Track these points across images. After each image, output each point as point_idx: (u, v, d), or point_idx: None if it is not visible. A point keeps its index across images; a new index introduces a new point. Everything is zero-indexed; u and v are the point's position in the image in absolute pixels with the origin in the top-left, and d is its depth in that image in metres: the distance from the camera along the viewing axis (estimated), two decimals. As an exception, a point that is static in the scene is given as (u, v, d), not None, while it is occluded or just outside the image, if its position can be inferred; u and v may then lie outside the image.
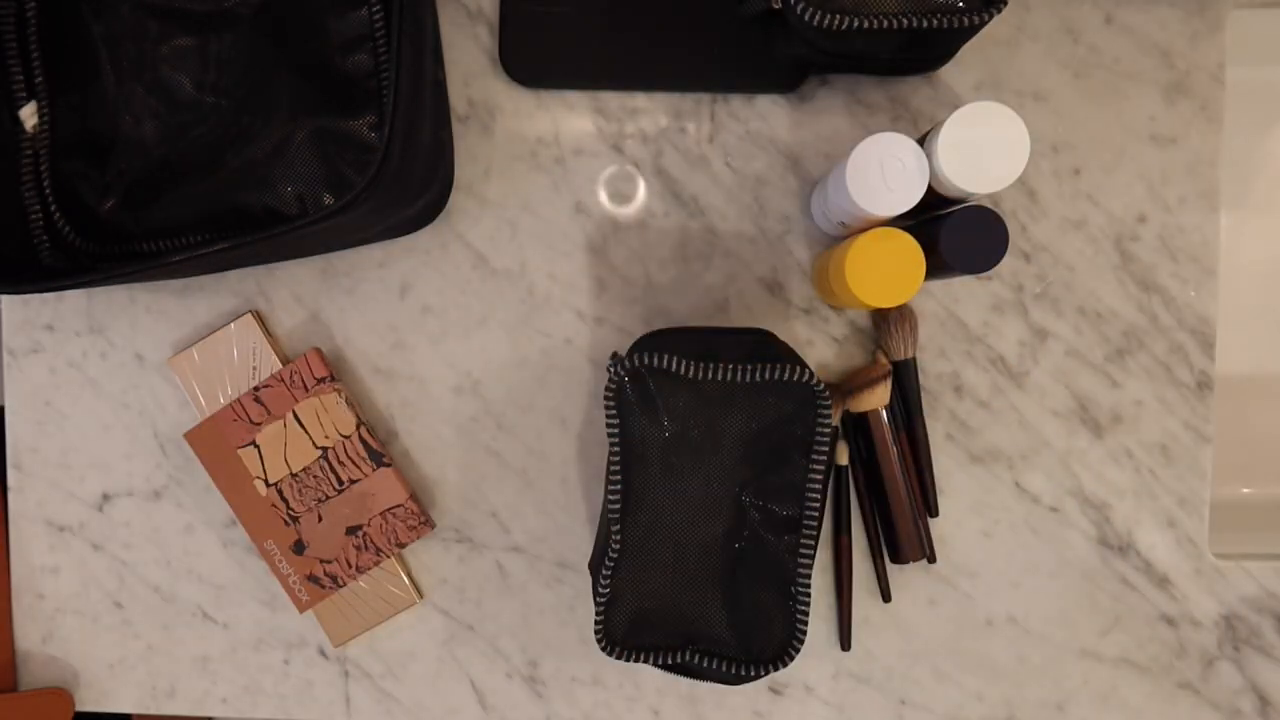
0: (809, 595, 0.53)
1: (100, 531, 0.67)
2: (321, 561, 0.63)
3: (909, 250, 0.51)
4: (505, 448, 0.65)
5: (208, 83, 0.61)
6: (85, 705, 0.68)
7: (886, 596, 0.64)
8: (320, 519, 0.63)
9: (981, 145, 0.48)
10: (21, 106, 0.62)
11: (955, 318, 0.63)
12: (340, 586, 0.64)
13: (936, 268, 0.50)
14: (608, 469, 0.52)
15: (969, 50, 0.61)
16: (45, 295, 0.66)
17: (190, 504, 0.66)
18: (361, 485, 0.63)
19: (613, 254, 0.64)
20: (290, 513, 0.63)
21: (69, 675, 0.68)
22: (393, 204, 0.56)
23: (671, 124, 0.63)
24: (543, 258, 0.64)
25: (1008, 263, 0.63)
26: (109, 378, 0.66)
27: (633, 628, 0.54)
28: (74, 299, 0.66)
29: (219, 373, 0.64)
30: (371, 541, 0.63)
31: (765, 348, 0.52)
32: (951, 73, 0.62)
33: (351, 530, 0.63)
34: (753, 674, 0.53)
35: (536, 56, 0.63)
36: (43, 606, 0.68)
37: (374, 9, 0.60)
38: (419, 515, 0.63)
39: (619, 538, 0.53)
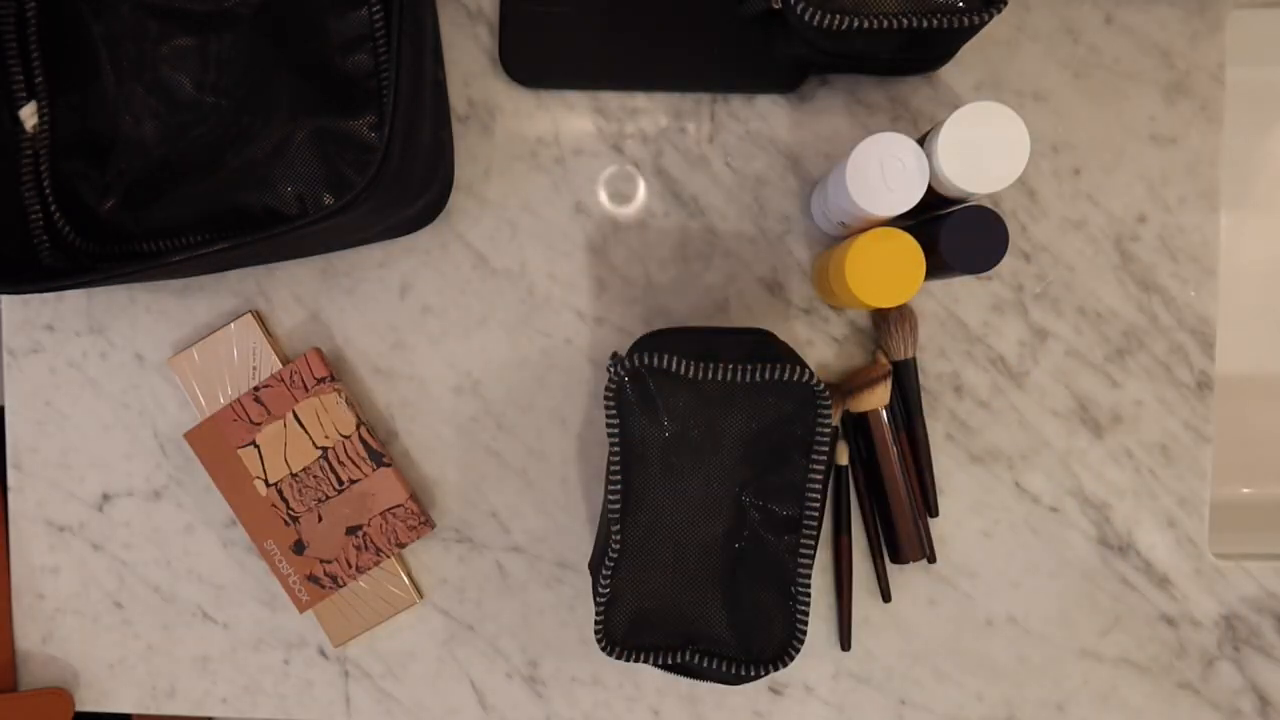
0: (809, 595, 0.53)
1: (100, 531, 0.67)
2: (321, 561, 0.63)
3: (909, 250, 0.51)
4: (505, 448, 0.65)
5: (208, 83, 0.61)
6: (85, 705, 0.68)
7: (886, 596, 0.64)
8: (320, 519, 0.63)
9: (981, 145, 0.48)
10: (21, 106, 0.62)
11: (955, 318, 0.63)
12: (340, 586, 0.64)
13: (936, 268, 0.50)
14: (608, 469, 0.52)
15: (969, 50, 0.62)
16: (45, 295, 0.66)
17: (190, 504, 0.66)
18: (361, 485, 0.63)
19: (613, 254, 0.64)
20: (290, 513, 0.63)
21: (69, 675, 0.68)
22: (393, 204, 0.56)
23: (671, 124, 0.63)
24: (543, 258, 0.64)
25: (1008, 263, 0.63)
26: (109, 378, 0.66)
27: (633, 628, 0.54)
28: (74, 299, 0.66)
29: (219, 373, 0.64)
30: (371, 541, 0.63)
31: (765, 348, 0.52)
32: (951, 73, 0.62)
33: (351, 530, 0.63)
34: (753, 674, 0.53)
35: (536, 56, 0.63)
36: (43, 606, 0.68)
37: (374, 9, 0.60)
38: (419, 515, 0.63)
39: (619, 538, 0.53)
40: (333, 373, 0.63)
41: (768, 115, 0.63)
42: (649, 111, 0.63)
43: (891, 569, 0.64)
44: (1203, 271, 0.62)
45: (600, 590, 0.53)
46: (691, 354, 0.50)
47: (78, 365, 0.66)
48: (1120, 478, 0.63)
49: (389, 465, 0.63)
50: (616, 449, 0.52)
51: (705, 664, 0.54)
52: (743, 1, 0.55)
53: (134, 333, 0.66)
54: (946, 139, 0.48)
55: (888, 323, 0.61)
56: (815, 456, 0.51)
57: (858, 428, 0.62)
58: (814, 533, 0.52)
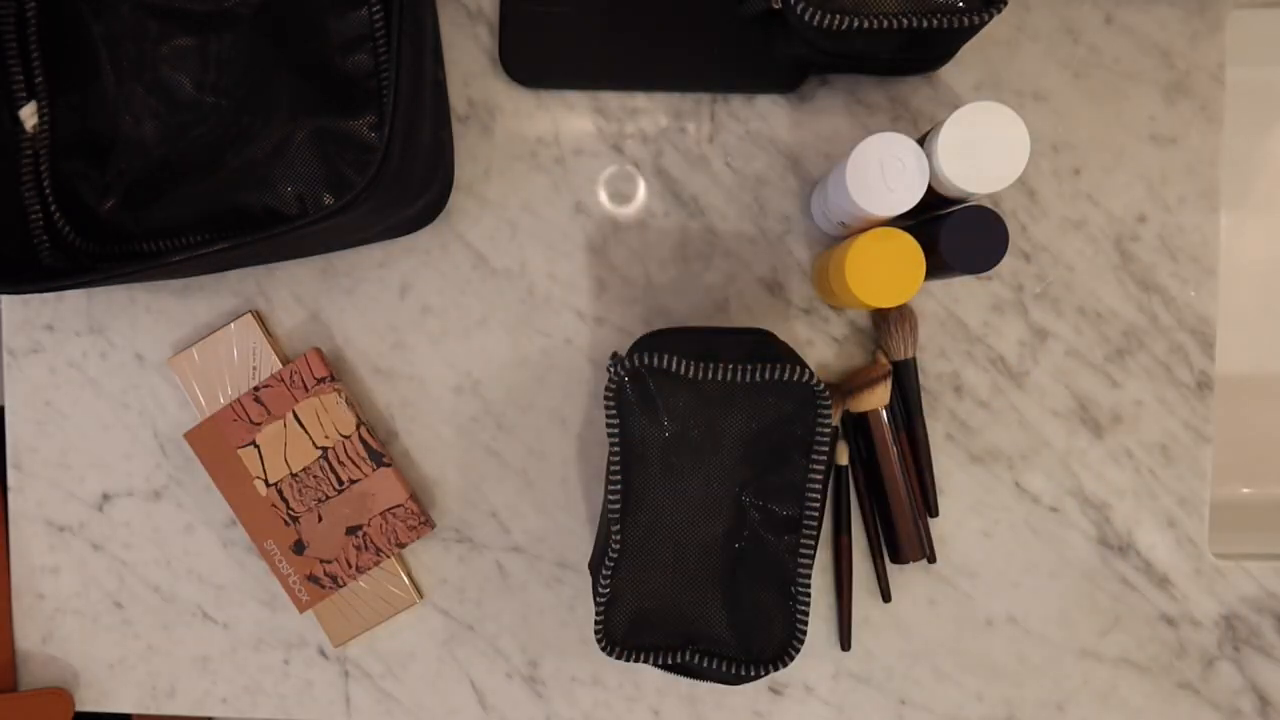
0: (809, 595, 0.53)
1: (100, 531, 0.67)
2: (321, 561, 0.63)
3: (909, 250, 0.51)
4: (505, 448, 0.65)
5: (208, 83, 0.61)
6: (85, 705, 0.68)
7: (886, 596, 0.64)
8: (320, 519, 0.63)
9: (981, 145, 0.48)
10: (21, 106, 0.62)
11: (955, 318, 0.63)
12: (340, 586, 0.64)
13: (936, 268, 0.50)
14: (608, 469, 0.52)
15: (969, 50, 0.61)
16: (45, 295, 0.66)
17: (190, 504, 0.66)
18: (361, 485, 0.63)
19: (613, 254, 0.64)
20: (290, 513, 0.63)
21: (69, 675, 0.68)
22: (393, 204, 0.56)
23: (671, 124, 0.63)
24: (543, 258, 0.64)
25: (1008, 263, 0.63)
26: (109, 378, 0.66)
27: (633, 628, 0.54)
28: (74, 299, 0.66)
29: (219, 373, 0.64)
30: (371, 541, 0.63)
31: (765, 348, 0.52)
32: (951, 73, 0.62)
33: (351, 530, 0.63)
34: (753, 674, 0.53)
35: (536, 56, 0.63)
36: (43, 606, 0.68)
37: (374, 9, 0.60)
38: (419, 515, 0.63)
39: (619, 538, 0.53)
40: (333, 373, 0.63)
41: (768, 115, 0.63)
42: (649, 111, 0.63)
43: (891, 569, 0.64)
44: (1203, 271, 0.62)
45: (600, 590, 0.53)
46: (691, 354, 0.50)
47: (78, 365, 0.66)
48: (1120, 478, 0.63)
49: (389, 465, 0.63)
50: (616, 449, 0.52)
51: (705, 664, 0.54)
52: (743, 1, 0.55)
53: (134, 333, 0.66)
54: (946, 139, 0.48)
55: (888, 323, 0.61)
56: (815, 456, 0.51)
57: (858, 428, 0.62)
58: (814, 533, 0.52)
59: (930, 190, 0.50)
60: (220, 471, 0.63)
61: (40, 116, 0.62)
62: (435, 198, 0.61)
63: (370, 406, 0.65)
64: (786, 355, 0.52)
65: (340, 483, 0.63)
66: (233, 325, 0.64)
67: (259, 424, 0.63)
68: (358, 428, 0.63)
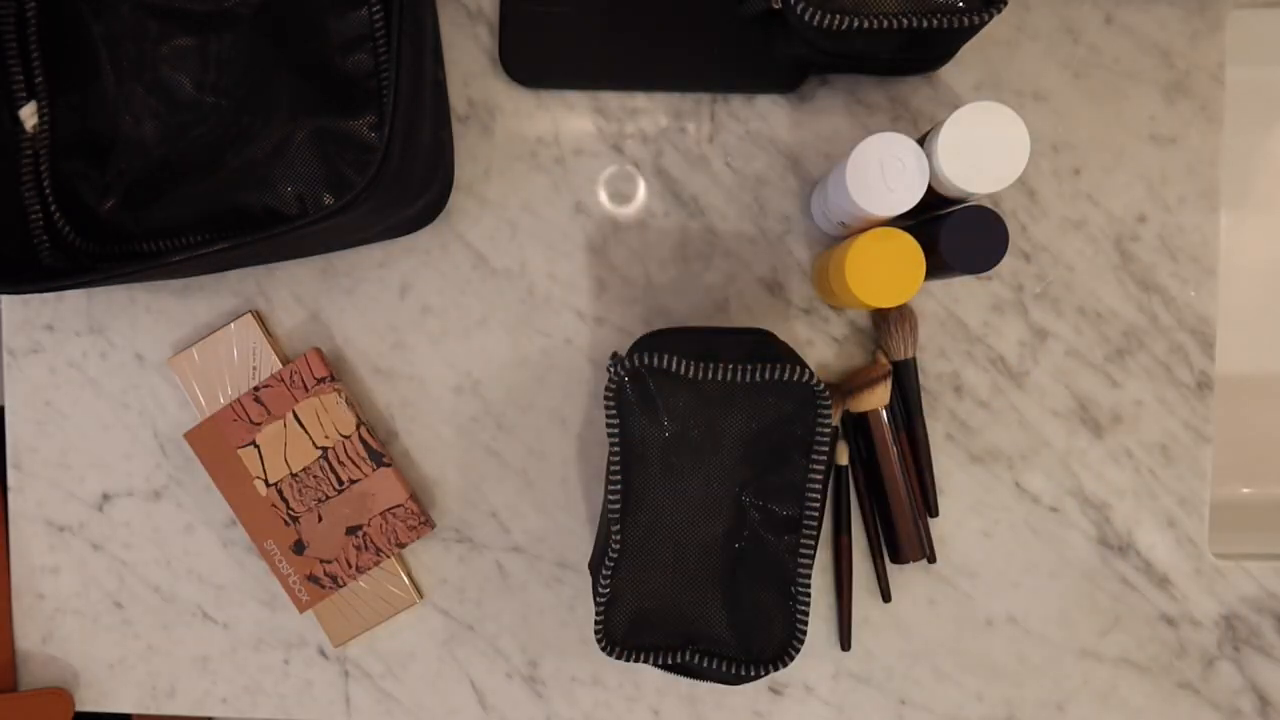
0: (809, 595, 0.53)
1: (100, 531, 0.67)
2: (321, 561, 0.63)
3: (909, 250, 0.51)
4: (505, 448, 0.65)
5: (208, 83, 0.61)
6: (85, 705, 0.68)
7: (886, 596, 0.64)
8: (320, 519, 0.63)
9: (981, 145, 0.48)
10: (21, 106, 0.62)
11: (955, 318, 0.63)
12: (340, 586, 0.64)
13: (936, 268, 0.50)
14: (608, 469, 0.52)
15: (969, 50, 0.61)
16: (45, 295, 0.66)
17: (190, 504, 0.66)
18: (361, 485, 0.63)
19: (613, 254, 0.64)
20: (290, 513, 0.63)
21: (69, 675, 0.68)
22: (393, 204, 0.56)
23: (671, 124, 0.63)
24: (543, 258, 0.64)
25: (1008, 263, 0.63)
26: (109, 378, 0.66)
27: (633, 628, 0.54)
28: (74, 299, 0.66)
29: (219, 373, 0.64)
30: (371, 541, 0.63)
31: (765, 348, 0.52)
32: (951, 73, 0.62)
33: (351, 530, 0.63)
34: (753, 674, 0.53)
35: (536, 56, 0.63)
36: (43, 606, 0.68)
37: (374, 9, 0.60)
38: (419, 515, 0.63)
39: (619, 538, 0.53)
40: (333, 373, 0.63)
41: (768, 115, 0.63)
42: (649, 111, 0.63)
43: (891, 569, 0.64)
44: (1203, 271, 0.62)
45: (600, 590, 0.53)
46: (691, 354, 0.50)
47: (78, 365, 0.66)
48: (1120, 478, 0.63)
49: (389, 465, 0.63)
50: (616, 449, 0.52)
51: (705, 664, 0.54)
52: (743, 1, 0.55)
53: (134, 333, 0.66)
54: (946, 139, 0.48)
55: (888, 323, 0.61)
56: (815, 456, 0.51)
57: (858, 428, 0.62)
58: (814, 533, 0.52)
59: (930, 190, 0.50)
60: (220, 471, 0.63)
61: (40, 116, 0.62)
62: (435, 198, 0.61)
63: (370, 406, 0.65)
64: (786, 355, 0.52)
65: (340, 483, 0.63)
66: (233, 325, 0.64)
67: (259, 424, 0.63)
68: (358, 428, 0.63)
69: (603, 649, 0.53)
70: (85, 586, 0.67)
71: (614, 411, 0.51)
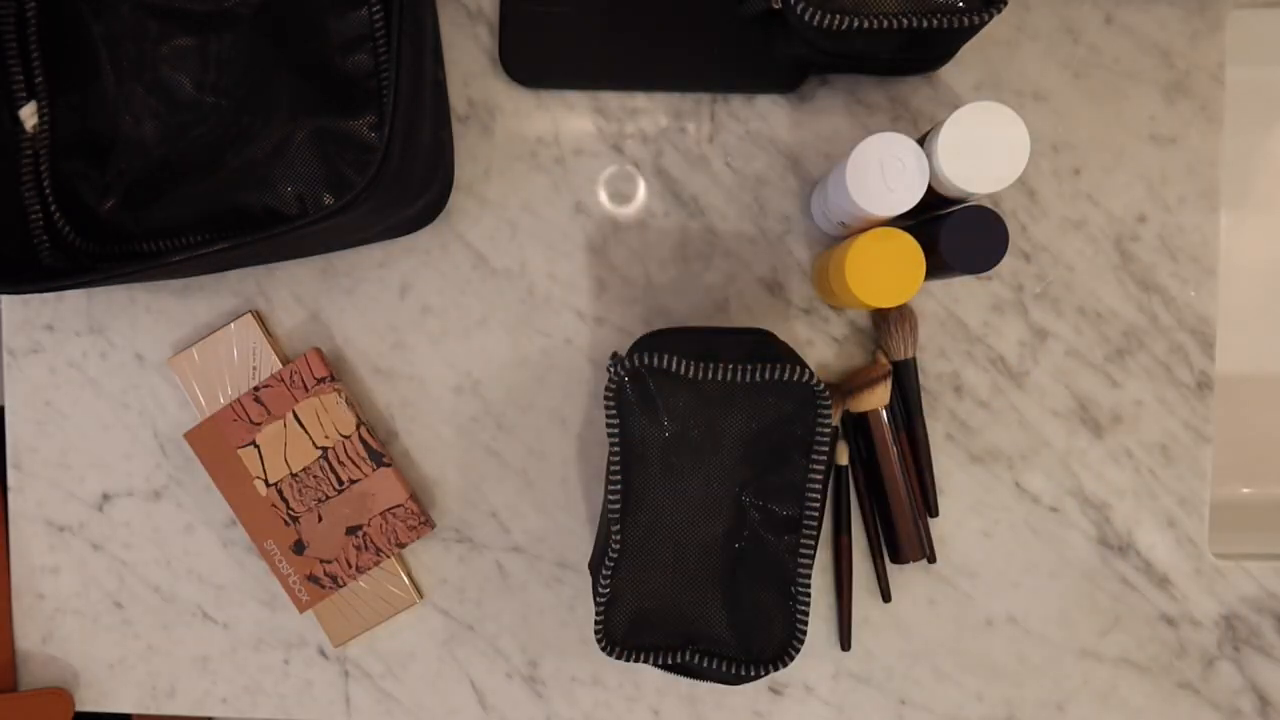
0: (809, 595, 0.53)
1: (100, 531, 0.67)
2: (321, 561, 0.63)
3: (909, 250, 0.51)
4: (505, 448, 0.65)
5: (208, 83, 0.61)
6: (85, 705, 0.68)
7: (886, 596, 0.64)
8: (320, 519, 0.63)
9: (981, 145, 0.48)
10: (21, 106, 0.62)
11: (955, 318, 0.63)
12: (340, 586, 0.64)
13: (936, 268, 0.50)
14: (608, 469, 0.52)
15: (969, 50, 0.61)
16: (45, 295, 0.66)
17: (190, 504, 0.66)
18: (361, 485, 0.63)
19: (613, 254, 0.64)
20: (290, 513, 0.63)
21: (69, 675, 0.68)
22: (393, 204, 0.56)
23: (671, 124, 0.63)
24: (543, 258, 0.64)
25: (1008, 263, 0.63)
26: (109, 378, 0.66)
27: (633, 628, 0.54)
28: (74, 299, 0.66)
29: (219, 373, 0.64)
30: (371, 541, 0.63)
31: (765, 348, 0.52)
32: (951, 73, 0.62)
33: (351, 530, 0.63)
34: (753, 674, 0.53)
35: (536, 56, 0.63)
36: (43, 606, 0.68)
37: (374, 9, 0.60)
38: (419, 515, 0.63)
39: (619, 538, 0.53)
40: (333, 373, 0.63)
41: (768, 115, 0.63)
42: (649, 111, 0.63)
43: (891, 569, 0.64)
44: (1203, 271, 0.62)
45: (600, 590, 0.53)
46: (691, 354, 0.50)
47: (78, 365, 0.66)
48: (1120, 478, 0.63)
49: (389, 465, 0.63)
50: (616, 449, 0.52)
51: (705, 664, 0.54)
52: (743, 1, 0.55)
53: (134, 333, 0.66)
54: (946, 139, 0.48)
55: (888, 323, 0.61)
56: (815, 456, 0.51)
57: (858, 428, 0.62)
58: (814, 533, 0.52)
59: (930, 190, 0.50)
60: (220, 471, 0.63)
61: (40, 116, 0.62)
62: (435, 198, 0.61)
63: (370, 406, 0.65)
64: (786, 355, 0.52)
65: (340, 483, 0.63)
66: (233, 325, 0.64)
67: (259, 424, 0.63)
68: (358, 428, 0.63)
69: (603, 649, 0.53)
70: (85, 586, 0.67)
71: (614, 411, 0.51)
